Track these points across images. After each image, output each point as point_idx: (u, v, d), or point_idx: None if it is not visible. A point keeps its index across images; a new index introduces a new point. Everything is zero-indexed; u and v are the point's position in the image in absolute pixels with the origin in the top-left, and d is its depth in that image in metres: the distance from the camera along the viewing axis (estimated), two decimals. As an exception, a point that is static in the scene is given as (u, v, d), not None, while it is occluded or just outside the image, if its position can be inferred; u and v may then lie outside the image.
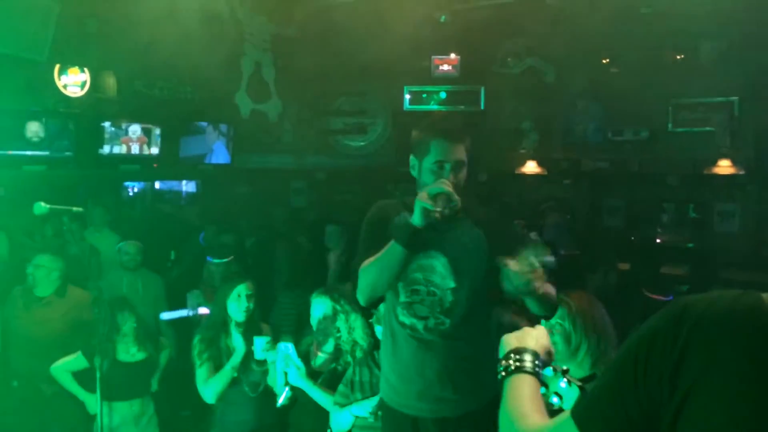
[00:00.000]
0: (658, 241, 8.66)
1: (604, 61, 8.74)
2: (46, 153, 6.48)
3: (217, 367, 3.47)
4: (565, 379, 1.49)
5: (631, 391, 1.00)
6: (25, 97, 6.02)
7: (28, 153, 6.35)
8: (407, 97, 9.22)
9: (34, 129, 6.41)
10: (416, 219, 2.23)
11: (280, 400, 3.33)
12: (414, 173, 2.49)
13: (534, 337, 1.42)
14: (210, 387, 3.46)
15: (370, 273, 2.40)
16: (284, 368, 3.29)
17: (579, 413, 1.06)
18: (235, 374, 3.46)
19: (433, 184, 2.28)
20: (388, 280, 2.41)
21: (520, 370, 1.32)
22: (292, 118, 8.85)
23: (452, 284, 2.44)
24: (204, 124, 8.19)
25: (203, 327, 3.69)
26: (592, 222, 9.22)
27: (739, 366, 0.92)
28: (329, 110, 9.43)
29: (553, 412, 1.27)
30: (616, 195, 9.17)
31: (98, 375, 3.09)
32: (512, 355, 1.36)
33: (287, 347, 3.32)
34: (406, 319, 2.49)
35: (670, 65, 8.37)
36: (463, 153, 2.42)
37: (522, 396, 1.25)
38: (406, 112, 9.13)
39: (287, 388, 3.31)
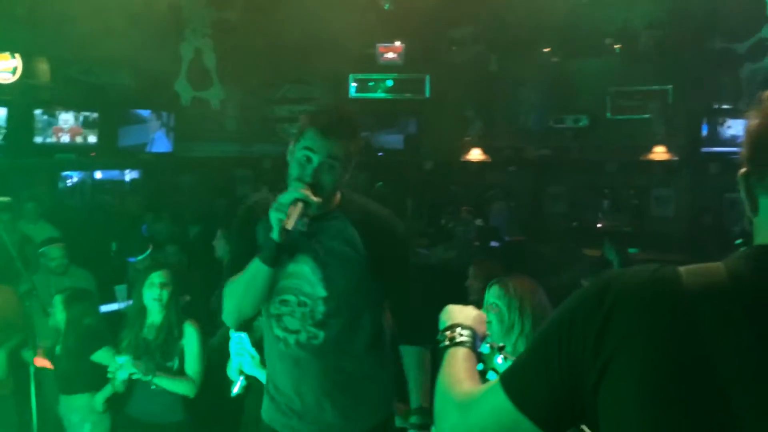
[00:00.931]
0: (599, 226, 8.91)
1: (545, 50, 8.91)
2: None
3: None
4: (501, 356, 1.54)
5: (555, 358, 1.02)
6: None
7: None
8: (353, 84, 9.20)
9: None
10: (274, 233, 1.96)
11: (235, 389, 3.29)
12: (288, 159, 2.14)
13: (471, 316, 1.47)
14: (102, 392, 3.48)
15: (234, 294, 2.12)
16: (238, 358, 3.25)
17: (506, 378, 1.09)
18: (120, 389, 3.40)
19: (289, 189, 1.99)
20: (254, 302, 2.13)
21: (457, 343, 1.36)
22: (236, 105, 8.71)
23: (323, 293, 2.13)
24: (144, 112, 7.97)
25: (124, 318, 3.62)
26: (536, 208, 9.42)
27: (652, 335, 0.95)
28: (274, 98, 9.32)
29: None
30: (559, 182, 9.38)
31: (32, 370, 2.97)
32: (451, 328, 1.40)
33: (240, 337, 3.27)
34: (279, 333, 2.19)
35: (608, 54, 8.61)
36: (340, 151, 2.04)
37: (457, 365, 1.29)
38: (352, 100, 9.11)
39: (242, 378, 3.27)
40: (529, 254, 6.33)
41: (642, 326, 0.95)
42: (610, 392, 0.96)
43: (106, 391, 3.50)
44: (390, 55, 8.98)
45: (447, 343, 1.36)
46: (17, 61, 6.44)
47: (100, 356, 3.57)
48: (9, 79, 6.45)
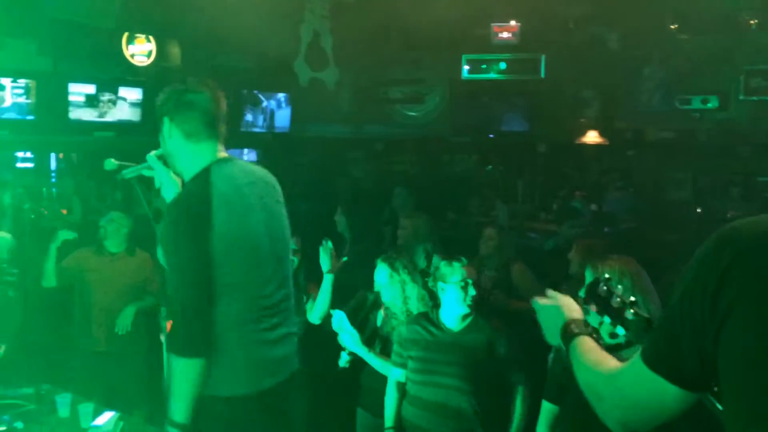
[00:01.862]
0: (729, 215, 8.34)
1: (672, 27, 8.40)
2: (115, 120, 6.77)
3: None
4: (632, 311, 1.56)
5: (678, 319, 1.04)
6: (93, 66, 6.23)
7: (98, 120, 6.64)
8: (466, 66, 9.11)
9: (105, 98, 6.69)
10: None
11: (341, 363, 3.42)
12: None
13: (573, 308, 1.55)
14: None
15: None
16: (339, 334, 3.36)
17: (644, 350, 1.14)
18: None
19: None
20: None
21: (578, 335, 1.45)
22: (350, 87, 8.88)
23: None
24: (264, 93, 8.32)
25: None
26: (657, 195, 8.96)
27: None
28: (386, 79, 9.41)
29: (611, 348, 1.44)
30: (683, 167, 8.86)
31: (164, 338, 3.13)
32: (572, 322, 1.49)
33: (340, 315, 3.38)
34: None
35: (742, 31, 7.98)
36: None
37: (592, 352, 1.37)
38: (464, 81, 9.03)
39: (345, 352, 3.39)
40: (646, 242, 6.04)
41: (760, 277, 0.95)
42: (730, 345, 0.97)
43: None
44: (505, 35, 8.79)
45: (571, 334, 1.45)
46: (152, 45, 6.91)
47: None
48: (145, 62, 6.94)
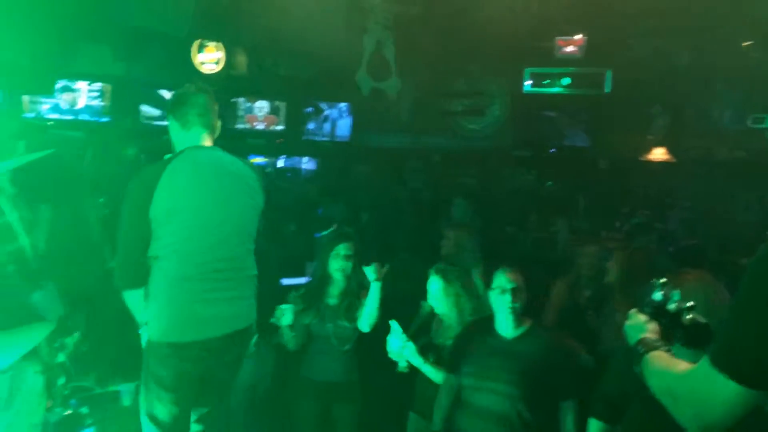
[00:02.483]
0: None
1: (744, 44, 8.10)
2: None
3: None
4: (690, 315, 1.62)
5: (754, 320, 1.13)
6: (164, 72, 6.46)
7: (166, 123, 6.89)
8: (528, 81, 9.00)
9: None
10: None
11: (400, 368, 3.43)
12: None
13: (648, 328, 1.71)
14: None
15: None
16: (392, 342, 3.37)
17: (714, 351, 1.23)
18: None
19: None
20: None
21: (652, 348, 1.61)
22: (410, 97, 8.91)
23: None
24: (326, 102, 8.44)
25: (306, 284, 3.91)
26: (725, 217, 8.62)
27: None
28: (447, 91, 9.40)
29: None
30: (754, 187, 8.51)
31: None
32: (642, 342, 1.66)
33: (394, 325, 3.38)
34: None
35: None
36: None
37: (665, 360, 1.53)
38: (525, 95, 8.93)
39: (403, 359, 3.40)
40: (710, 263, 5.82)
41: None
42: None
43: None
44: (569, 48, 8.66)
45: (646, 348, 1.61)
46: (221, 53, 7.13)
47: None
48: (213, 69, 7.16)
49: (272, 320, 3.56)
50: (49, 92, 5.82)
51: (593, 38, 8.47)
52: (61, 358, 3.03)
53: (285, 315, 3.53)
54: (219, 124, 2.91)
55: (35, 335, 2.01)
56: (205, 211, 2.67)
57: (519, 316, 3.01)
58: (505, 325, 3.04)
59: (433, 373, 3.29)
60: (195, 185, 2.67)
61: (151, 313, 2.65)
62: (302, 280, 5.21)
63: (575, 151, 9.29)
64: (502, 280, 3.01)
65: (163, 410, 2.66)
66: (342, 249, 3.70)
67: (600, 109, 8.95)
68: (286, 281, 5.28)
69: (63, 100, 6.17)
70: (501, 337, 3.05)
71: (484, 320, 3.16)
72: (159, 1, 5.52)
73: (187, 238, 2.62)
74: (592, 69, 8.74)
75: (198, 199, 2.66)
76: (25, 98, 5.93)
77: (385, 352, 3.41)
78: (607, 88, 8.74)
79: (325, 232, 5.40)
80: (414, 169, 9.83)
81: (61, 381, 3.04)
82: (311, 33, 6.15)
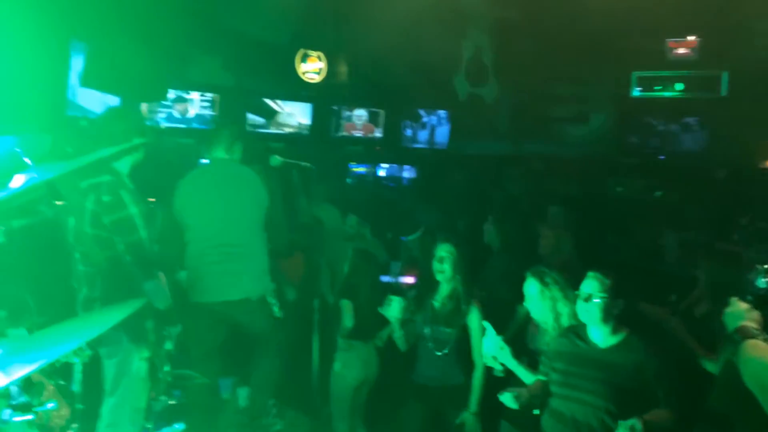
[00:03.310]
0: None
1: None
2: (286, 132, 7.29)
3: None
4: None
5: None
6: (269, 81, 6.71)
7: (273, 131, 7.21)
8: (638, 87, 8.62)
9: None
10: None
11: (496, 372, 3.40)
12: None
13: (749, 316, 1.79)
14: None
15: None
16: (486, 345, 3.33)
17: None
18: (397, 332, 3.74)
19: None
20: None
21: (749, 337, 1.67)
22: (509, 103, 8.78)
23: None
24: (424, 109, 8.48)
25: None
26: None
27: None
28: (549, 96, 9.18)
29: None
30: None
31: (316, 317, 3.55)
32: (741, 329, 1.74)
33: (488, 327, 3.34)
34: None
35: None
36: None
37: (759, 348, 1.59)
38: (632, 99, 8.57)
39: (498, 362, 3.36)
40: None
41: None
42: None
43: (386, 331, 3.95)
44: (681, 50, 8.24)
45: (743, 336, 1.68)
46: (323, 63, 7.34)
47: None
48: (315, 79, 7.38)
49: (379, 309, 3.70)
50: (162, 100, 6.17)
51: (707, 39, 8.02)
52: (169, 345, 3.20)
53: (392, 306, 3.59)
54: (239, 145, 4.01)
55: (125, 309, 2.16)
56: (206, 210, 3.85)
57: (613, 324, 2.90)
58: (600, 334, 2.92)
59: (528, 378, 3.21)
60: (197, 193, 3.88)
61: (187, 282, 3.80)
62: (387, 279, 5.29)
63: (687, 158, 8.79)
64: (590, 285, 2.90)
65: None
66: (439, 251, 3.71)
67: (715, 113, 8.44)
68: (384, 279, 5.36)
69: (176, 109, 6.56)
70: (594, 345, 2.94)
71: (579, 327, 3.05)
72: (264, 11, 5.75)
73: (197, 228, 3.85)
74: (706, 71, 8.27)
75: (199, 203, 3.87)
76: (144, 105, 6.35)
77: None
78: (723, 91, 8.25)
79: (411, 236, 5.45)
80: (513, 176, 9.65)
81: (166, 368, 3.21)
82: (410, 41, 6.21)
